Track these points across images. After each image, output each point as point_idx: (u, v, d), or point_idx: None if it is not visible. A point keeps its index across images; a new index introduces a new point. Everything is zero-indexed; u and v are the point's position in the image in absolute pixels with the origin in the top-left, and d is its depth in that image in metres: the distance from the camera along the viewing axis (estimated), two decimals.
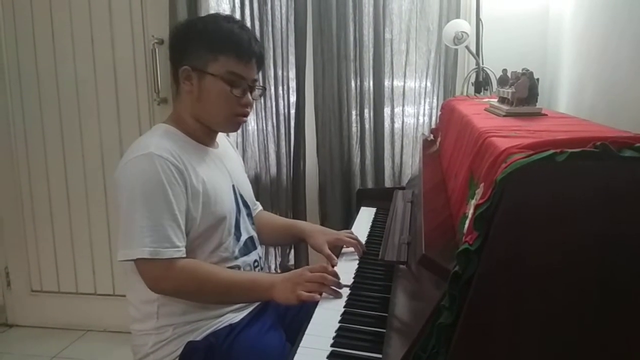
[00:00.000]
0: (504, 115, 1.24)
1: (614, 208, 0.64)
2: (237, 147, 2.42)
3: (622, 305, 0.66)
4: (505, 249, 0.66)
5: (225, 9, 2.37)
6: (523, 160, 0.65)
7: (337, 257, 1.51)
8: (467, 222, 0.79)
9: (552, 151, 0.65)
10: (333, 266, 1.46)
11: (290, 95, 2.38)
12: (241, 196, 1.49)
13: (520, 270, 0.66)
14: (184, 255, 1.26)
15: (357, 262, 1.47)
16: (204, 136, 1.42)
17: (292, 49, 2.33)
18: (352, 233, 1.60)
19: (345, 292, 1.26)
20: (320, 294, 1.23)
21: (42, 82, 2.61)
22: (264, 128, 2.42)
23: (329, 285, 1.25)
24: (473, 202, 0.80)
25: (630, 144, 0.66)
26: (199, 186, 1.31)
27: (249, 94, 1.39)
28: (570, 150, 0.65)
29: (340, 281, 1.28)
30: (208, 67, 1.34)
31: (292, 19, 2.30)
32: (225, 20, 1.39)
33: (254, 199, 1.63)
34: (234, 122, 1.42)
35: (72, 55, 2.55)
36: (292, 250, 2.48)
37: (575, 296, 0.66)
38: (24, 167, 2.69)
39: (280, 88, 2.37)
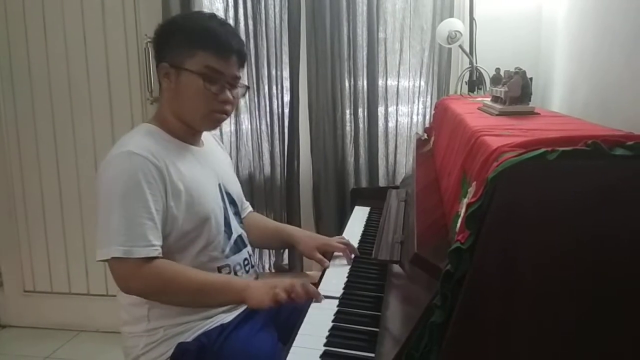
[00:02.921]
0: (497, 114, 1.24)
1: (605, 206, 0.64)
2: (230, 146, 2.42)
3: (615, 303, 0.66)
4: (496, 248, 0.66)
5: (218, 7, 2.36)
6: (514, 159, 0.65)
7: (329, 261, 1.49)
8: (460, 220, 0.79)
9: (543, 150, 0.65)
10: (325, 269, 1.45)
11: (284, 95, 2.38)
12: (228, 194, 1.47)
13: (512, 268, 0.66)
14: (160, 255, 1.23)
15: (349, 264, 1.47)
16: (187, 135, 1.40)
17: (285, 48, 2.33)
18: (343, 238, 1.57)
19: (339, 291, 1.25)
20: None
21: (34, 82, 2.59)
22: (258, 127, 2.41)
23: (305, 291, 1.21)
24: (465, 201, 0.79)
25: (621, 142, 0.66)
26: (180, 185, 1.29)
27: (227, 91, 1.35)
28: (561, 149, 0.65)
29: (321, 293, 1.24)
30: (185, 63, 1.31)
31: (285, 18, 2.30)
32: (205, 17, 1.37)
33: (243, 198, 1.61)
34: (211, 119, 1.37)
35: (64, 54, 2.54)
36: (287, 250, 2.47)
37: (566, 294, 0.66)
38: (17, 167, 2.67)
39: (274, 87, 2.36)
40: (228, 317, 1.35)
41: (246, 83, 2.27)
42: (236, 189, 1.54)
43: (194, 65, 1.31)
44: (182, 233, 1.30)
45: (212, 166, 1.45)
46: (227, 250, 1.40)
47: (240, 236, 1.47)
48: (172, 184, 1.28)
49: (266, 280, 1.30)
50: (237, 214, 1.50)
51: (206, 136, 1.50)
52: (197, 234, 1.33)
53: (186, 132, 1.39)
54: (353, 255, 1.51)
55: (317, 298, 1.22)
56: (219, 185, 1.44)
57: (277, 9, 2.31)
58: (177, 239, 1.30)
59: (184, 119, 1.37)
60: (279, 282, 1.24)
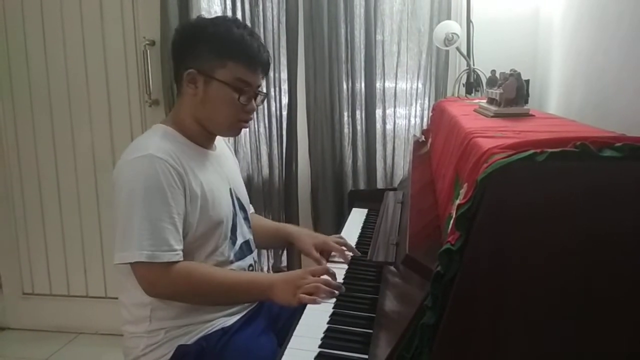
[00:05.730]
0: (492, 116, 1.24)
1: (593, 207, 0.64)
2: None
3: (603, 303, 0.66)
4: (486, 248, 0.66)
5: (217, 10, 2.37)
6: (503, 160, 0.65)
7: (327, 259, 1.50)
8: (451, 222, 0.79)
9: (532, 151, 0.66)
10: None
11: (282, 97, 2.38)
12: (238, 199, 1.48)
13: (502, 269, 0.66)
14: (182, 259, 1.25)
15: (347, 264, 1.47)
16: (203, 139, 1.41)
17: (283, 51, 2.34)
18: (341, 238, 1.58)
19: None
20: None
21: (34, 84, 2.59)
22: (256, 130, 2.42)
23: (329, 288, 1.23)
24: (457, 202, 0.80)
25: (610, 143, 0.66)
26: (197, 189, 1.30)
27: (253, 101, 1.38)
28: (550, 150, 0.65)
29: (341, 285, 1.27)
30: (215, 73, 1.32)
31: (283, 20, 2.31)
32: (235, 25, 1.37)
33: (249, 201, 1.61)
34: (237, 127, 1.41)
35: (63, 56, 2.54)
36: (285, 252, 2.48)
37: (556, 294, 0.66)
38: (15, 169, 2.68)
39: (272, 89, 2.37)
40: (229, 321, 1.36)
41: (264, 90, 2.28)
42: (244, 193, 1.55)
43: (225, 76, 1.32)
44: (194, 237, 1.31)
45: (225, 171, 1.46)
46: (232, 256, 1.41)
47: (246, 242, 1.48)
48: (191, 188, 1.29)
49: (289, 276, 1.29)
50: (246, 218, 1.51)
51: (217, 139, 1.51)
52: (207, 238, 1.34)
53: (203, 136, 1.41)
54: (350, 255, 1.52)
55: (340, 291, 1.25)
56: (230, 190, 1.45)
57: (275, 12, 2.32)
58: (190, 243, 1.31)
59: (206, 126, 1.38)
60: (303, 280, 1.25)
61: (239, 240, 1.44)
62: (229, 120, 1.37)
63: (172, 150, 1.29)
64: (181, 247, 1.26)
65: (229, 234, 1.40)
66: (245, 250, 1.46)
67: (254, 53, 1.34)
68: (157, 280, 1.23)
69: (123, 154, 1.31)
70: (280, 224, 1.75)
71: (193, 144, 1.38)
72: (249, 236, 1.50)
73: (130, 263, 1.23)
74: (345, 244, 1.54)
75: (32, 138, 2.64)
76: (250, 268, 1.47)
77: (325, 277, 1.27)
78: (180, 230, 1.26)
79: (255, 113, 2.38)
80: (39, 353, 2.55)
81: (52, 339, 2.68)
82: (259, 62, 1.36)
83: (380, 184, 2.38)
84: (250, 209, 1.65)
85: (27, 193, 2.69)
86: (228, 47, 1.33)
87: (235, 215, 1.44)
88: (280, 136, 2.41)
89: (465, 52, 2.10)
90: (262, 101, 1.49)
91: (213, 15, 2.32)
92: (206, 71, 1.33)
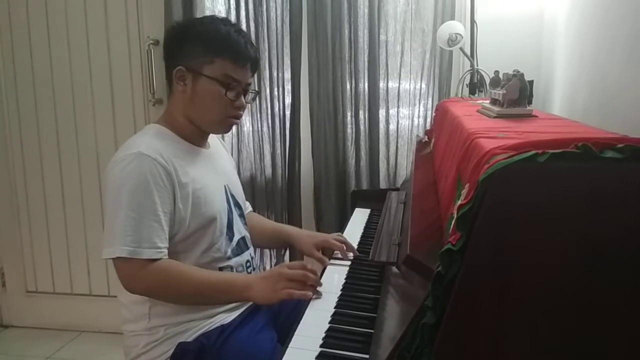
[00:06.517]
0: (495, 117, 1.24)
1: (594, 208, 0.64)
2: (232, 148, 2.43)
3: (604, 304, 0.66)
4: (487, 249, 0.66)
5: (220, 10, 2.38)
6: (504, 161, 0.65)
7: (330, 258, 1.51)
8: (453, 222, 0.79)
9: (533, 152, 0.66)
10: (325, 268, 1.46)
11: (286, 97, 2.38)
12: (233, 196, 1.49)
13: (502, 269, 0.66)
14: (165, 257, 1.25)
15: (350, 263, 1.47)
16: (196, 137, 1.42)
17: (287, 51, 2.34)
18: (341, 235, 1.59)
19: (337, 293, 1.26)
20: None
21: (38, 83, 2.61)
22: (259, 129, 2.42)
23: (311, 284, 1.24)
24: (458, 203, 0.80)
25: (611, 144, 0.66)
26: (188, 187, 1.31)
27: (242, 97, 1.40)
28: (551, 151, 0.65)
29: (320, 280, 1.28)
30: (203, 69, 1.34)
31: (287, 20, 2.31)
32: (222, 22, 1.39)
33: (245, 199, 1.63)
34: (226, 124, 1.42)
35: (67, 55, 2.56)
36: (287, 251, 2.48)
37: (556, 295, 0.66)
38: (19, 168, 2.69)
39: (275, 89, 2.37)
40: (228, 318, 1.36)
41: (256, 88, 2.30)
42: (240, 191, 1.56)
43: (213, 72, 1.34)
44: (187, 234, 1.32)
45: (218, 168, 1.47)
46: (229, 252, 1.41)
47: (243, 238, 1.48)
48: (181, 186, 1.30)
49: (266, 274, 1.29)
50: (242, 215, 1.52)
51: (212, 137, 1.52)
52: (202, 235, 1.34)
53: (195, 134, 1.42)
54: (352, 255, 1.52)
55: (318, 285, 1.25)
56: (225, 187, 1.46)
57: (279, 12, 2.32)
58: (182, 240, 1.31)
59: (196, 123, 1.40)
60: (280, 276, 1.24)
61: (236, 237, 1.45)
62: (217, 116, 1.38)
63: (162, 148, 1.30)
64: (165, 245, 1.26)
65: (224, 231, 1.40)
66: (242, 246, 1.47)
67: (240, 49, 1.36)
68: (132, 275, 1.24)
69: (116, 153, 1.32)
70: (279, 225, 1.75)
71: (185, 142, 1.40)
72: (246, 233, 1.51)
73: (113, 258, 1.23)
74: (345, 242, 1.55)
75: (36, 137, 2.65)
76: (248, 264, 1.47)
77: (303, 272, 1.26)
78: (166, 229, 1.26)
79: (258, 113, 2.40)
80: (42, 351, 2.57)
81: (55, 337, 2.69)
82: (246, 58, 1.37)
83: (383, 184, 2.38)
84: (248, 207, 1.66)
85: (31, 192, 2.70)
86: (215, 44, 1.35)
87: (230, 211, 1.44)
88: (283, 136, 2.41)
89: (468, 53, 2.10)
90: (253, 99, 1.50)
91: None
92: (194, 68, 1.35)
